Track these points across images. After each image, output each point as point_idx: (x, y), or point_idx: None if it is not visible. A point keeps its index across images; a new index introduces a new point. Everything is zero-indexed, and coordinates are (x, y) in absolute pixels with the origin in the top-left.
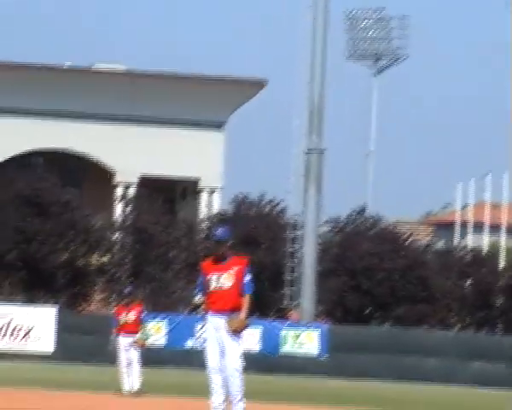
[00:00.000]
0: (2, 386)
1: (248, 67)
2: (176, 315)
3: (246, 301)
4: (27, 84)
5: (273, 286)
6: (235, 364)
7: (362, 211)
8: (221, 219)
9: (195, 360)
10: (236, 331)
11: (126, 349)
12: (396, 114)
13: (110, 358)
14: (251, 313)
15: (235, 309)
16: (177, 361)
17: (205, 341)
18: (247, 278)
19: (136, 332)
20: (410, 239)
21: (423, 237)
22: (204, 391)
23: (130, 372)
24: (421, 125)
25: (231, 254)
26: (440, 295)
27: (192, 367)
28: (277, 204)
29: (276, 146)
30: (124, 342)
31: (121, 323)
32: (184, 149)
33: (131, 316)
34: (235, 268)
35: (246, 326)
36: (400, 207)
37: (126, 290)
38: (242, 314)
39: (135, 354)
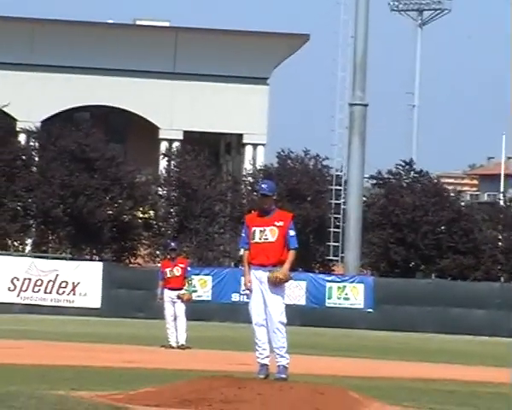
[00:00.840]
0: (51, 340)
1: (292, 21)
2: (221, 269)
3: (290, 256)
4: (72, 42)
5: (318, 239)
6: (280, 317)
7: (407, 164)
8: (266, 173)
9: (241, 313)
10: (277, 283)
11: (172, 303)
12: (439, 68)
13: (157, 312)
14: (294, 268)
15: (278, 264)
16: (223, 315)
17: (249, 295)
18: (292, 232)
19: (182, 287)
20: (455, 192)
21: (468, 189)
22: (249, 345)
23: (177, 326)
24: (465, 78)
25: (276, 209)
26: (485, 246)
27: (238, 321)
28: (322, 158)
29: (319, 100)
30: (170, 296)
31: (167, 277)
32: (228, 104)
33: (177, 271)
34: (280, 223)
35: (287, 279)
36: (445, 160)
37: (172, 245)
38: (285, 267)
39: (181, 309)
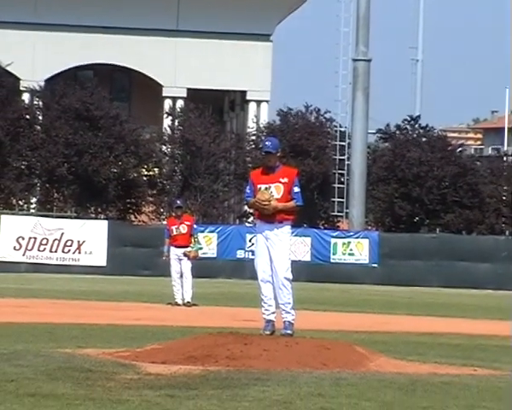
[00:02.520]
0: (57, 298)
1: None
2: (226, 226)
3: (291, 203)
4: (75, 0)
5: (322, 196)
6: (285, 273)
7: (415, 120)
8: (269, 130)
9: (246, 270)
10: (263, 206)
11: (178, 261)
12: (443, 22)
13: (162, 270)
14: (298, 223)
15: (284, 220)
16: (228, 272)
17: (254, 251)
18: (296, 189)
19: (189, 244)
20: (460, 146)
21: (472, 143)
22: (255, 301)
23: (183, 284)
24: (469, 32)
25: (281, 165)
26: (490, 201)
27: (243, 277)
28: (324, 113)
29: (323, 56)
30: (176, 253)
31: (173, 235)
32: (232, 61)
33: (183, 228)
34: (285, 179)
35: (274, 208)
36: (449, 114)
37: (177, 203)
38: (280, 204)
39: (187, 266)
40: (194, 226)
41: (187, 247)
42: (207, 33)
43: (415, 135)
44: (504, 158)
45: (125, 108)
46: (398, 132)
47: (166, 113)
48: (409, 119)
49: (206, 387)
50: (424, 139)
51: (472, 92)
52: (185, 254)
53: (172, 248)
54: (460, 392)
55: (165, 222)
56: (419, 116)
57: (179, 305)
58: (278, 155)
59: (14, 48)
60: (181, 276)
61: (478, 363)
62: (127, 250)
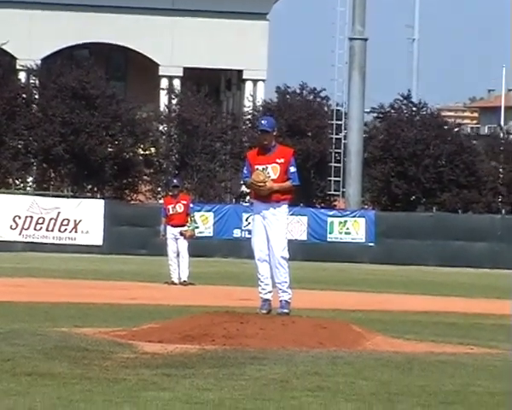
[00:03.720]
0: (53, 278)
1: None
2: (223, 205)
3: (287, 183)
4: None
5: (319, 174)
6: (282, 252)
7: (407, 98)
8: (265, 109)
9: (243, 249)
10: (258, 186)
11: (175, 240)
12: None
13: (159, 249)
14: (295, 203)
15: (280, 200)
16: (225, 251)
17: (251, 230)
18: (292, 169)
19: (185, 223)
20: (456, 125)
21: (468, 122)
22: (252, 280)
23: (179, 263)
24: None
25: (277, 145)
26: (486, 179)
27: (239, 257)
28: (320, 91)
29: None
30: (172, 232)
31: (170, 214)
32: (228, 40)
33: (179, 207)
34: (281, 160)
35: (270, 189)
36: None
37: (174, 182)
38: (275, 184)
39: (184, 245)
40: (191, 205)
41: (183, 226)
42: (204, 12)
43: (408, 114)
44: (501, 135)
45: (121, 88)
46: (392, 111)
47: (165, 89)
48: (401, 97)
49: (202, 366)
50: (418, 118)
51: (468, 71)
52: (181, 234)
53: (169, 228)
54: (456, 371)
55: (161, 201)
56: (410, 93)
57: (175, 284)
58: (274, 134)
59: (10, 26)
60: (177, 255)
61: (474, 342)
62: (124, 229)
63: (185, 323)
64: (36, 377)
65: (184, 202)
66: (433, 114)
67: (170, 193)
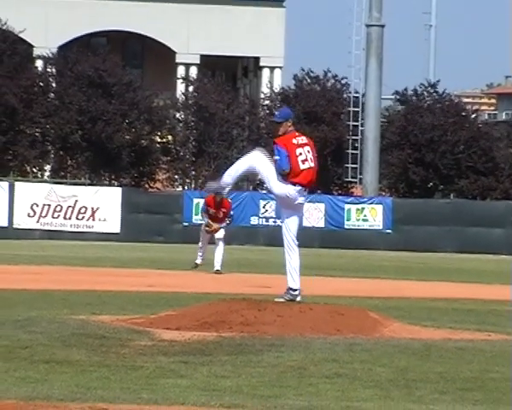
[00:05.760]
0: (71, 265)
1: None
2: (240, 192)
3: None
4: None
5: (336, 162)
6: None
7: (433, 86)
8: (283, 96)
9: (260, 236)
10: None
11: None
12: None
13: (176, 236)
14: (310, 190)
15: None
16: (242, 238)
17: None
18: (275, 157)
19: (222, 223)
20: (474, 111)
21: (486, 108)
22: (269, 267)
23: (215, 251)
24: None
25: (289, 132)
26: (504, 166)
27: (257, 244)
28: (339, 79)
29: (336, 22)
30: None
31: (209, 214)
32: (245, 27)
33: (219, 214)
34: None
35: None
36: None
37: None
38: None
39: (220, 234)
40: (231, 212)
41: (221, 223)
42: (219, 0)
43: (430, 101)
44: None
45: (138, 75)
46: (414, 98)
47: (182, 78)
48: (426, 84)
49: (220, 353)
50: (439, 105)
51: (486, 57)
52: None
53: (206, 220)
54: (474, 357)
55: (179, 189)
56: (438, 82)
57: (197, 265)
58: (287, 123)
59: (27, 15)
60: (216, 244)
61: (492, 328)
62: (141, 217)
63: (203, 310)
64: (54, 365)
65: (224, 210)
66: (453, 101)
67: (216, 196)
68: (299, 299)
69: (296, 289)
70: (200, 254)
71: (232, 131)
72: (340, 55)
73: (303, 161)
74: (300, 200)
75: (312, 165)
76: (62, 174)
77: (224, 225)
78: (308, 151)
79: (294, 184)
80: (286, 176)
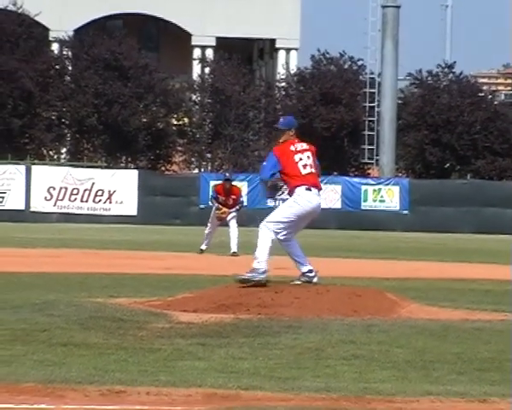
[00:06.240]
0: (88, 248)
1: None
2: (256, 175)
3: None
4: None
5: (353, 143)
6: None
7: (447, 67)
8: (299, 77)
9: None
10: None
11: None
12: None
13: (193, 219)
14: (327, 171)
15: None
16: (259, 221)
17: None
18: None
19: (232, 209)
20: (490, 91)
21: (502, 89)
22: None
23: (229, 235)
24: None
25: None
26: None
27: None
28: (355, 60)
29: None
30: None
31: (219, 201)
32: (261, 9)
33: (229, 201)
34: None
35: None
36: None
37: (226, 175)
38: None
39: (233, 218)
40: (241, 198)
41: (231, 209)
42: None
43: (446, 82)
44: None
45: (154, 58)
46: (429, 79)
47: (199, 59)
48: (443, 65)
49: (237, 335)
50: (456, 86)
51: (502, 37)
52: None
53: (216, 205)
54: (491, 338)
55: (195, 171)
56: (454, 63)
57: (202, 251)
58: (289, 132)
59: None
60: (230, 227)
61: (509, 308)
62: (157, 200)
63: (220, 292)
64: (71, 348)
65: (234, 197)
66: (470, 82)
67: (225, 183)
68: (315, 280)
69: (309, 271)
70: (206, 240)
71: (248, 113)
72: (356, 36)
73: (304, 166)
74: (315, 200)
75: (313, 171)
76: (79, 157)
77: (233, 210)
78: (308, 157)
79: (298, 185)
80: (290, 183)
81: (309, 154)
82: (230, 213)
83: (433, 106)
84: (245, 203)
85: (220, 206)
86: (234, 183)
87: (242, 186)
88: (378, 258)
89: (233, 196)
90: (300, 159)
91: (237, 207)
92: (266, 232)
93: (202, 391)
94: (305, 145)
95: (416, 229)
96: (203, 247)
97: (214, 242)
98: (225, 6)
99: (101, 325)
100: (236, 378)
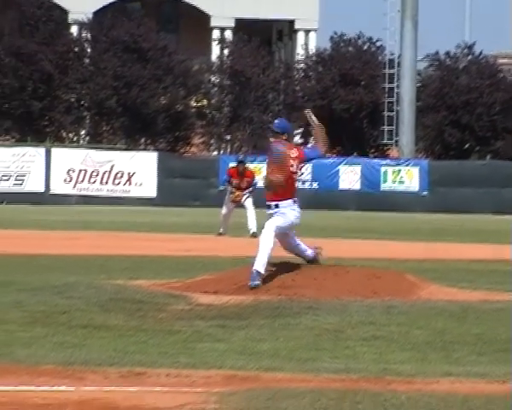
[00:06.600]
0: (108, 230)
1: None
2: None
3: None
4: None
5: (372, 124)
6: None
7: (469, 47)
8: (319, 58)
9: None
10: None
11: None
12: None
13: (212, 200)
14: (347, 153)
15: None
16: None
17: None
18: None
19: (246, 190)
20: (510, 72)
21: None
22: (306, 230)
23: (247, 216)
24: None
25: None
26: None
27: None
28: (376, 41)
29: None
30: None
31: (233, 185)
32: None
33: (242, 183)
34: None
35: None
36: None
37: (240, 157)
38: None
39: (248, 201)
40: (255, 181)
41: (244, 191)
42: None
43: (465, 62)
44: None
45: (172, 40)
46: (447, 60)
47: (217, 40)
48: (462, 45)
49: (257, 316)
50: (475, 67)
51: None
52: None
53: (230, 188)
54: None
55: (214, 153)
56: (474, 43)
57: (220, 234)
58: (282, 136)
59: None
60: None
61: None
62: (177, 182)
63: (240, 274)
64: (91, 330)
65: (248, 179)
66: (489, 63)
67: (238, 166)
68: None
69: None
70: (223, 224)
71: (267, 95)
72: (376, 17)
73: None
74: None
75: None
76: (98, 140)
77: (246, 192)
78: (297, 165)
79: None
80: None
81: (297, 162)
82: (244, 194)
83: (452, 87)
84: (258, 185)
85: (234, 189)
86: (253, 165)
87: (261, 168)
88: (397, 239)
89: (247, 179)
90: (292, 165)
91: (250, 189)
92: (270, 234)
93: (222, 373)
94: (295, 152)
95: (435, 210)
96: (221, 230)
97: (233, 222)
98: None
99: (120, 307)
100: (256, 360)
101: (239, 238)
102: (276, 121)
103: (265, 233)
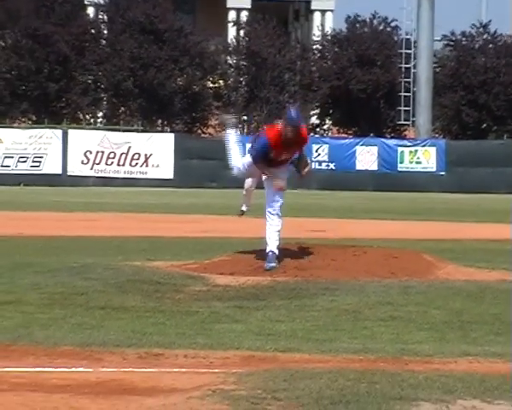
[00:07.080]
0: (125, 212)
1: None
2: None
3: None
4: None
5: (389, 104)
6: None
7: (484, 27)
8: (335, 39)
9: (312, 181)
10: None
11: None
12: None
13: (229, 182)
14: (363, 133)
15: None
16: (295, 183)
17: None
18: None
19: None
20: None
21: None
22: (322, 212)
23: (249, 197)
24: None
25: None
26: None
27: (309, 188)
28: (391, 21)
29: None
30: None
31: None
32: None
33: None
34: None
35: None
36: None
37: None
38: None
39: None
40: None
41: None
42: None
43: (481, 42)
44: None
45: (189, 21)
46: (463, 39)
47: (233, 21)
48: (478, 25)
49: (274, 297)
50: (491, 46)
51: None
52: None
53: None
54: None
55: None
56: (489, 22)
57: (243, 213)
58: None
59: None
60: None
61: None
62: (194, 163)
63: (257, 255)
64: (109, 311)
65: None
66: (506, 42)
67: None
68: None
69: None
70: (246, 200)
71: (284, 75)
72: None
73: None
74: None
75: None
76: (115, 121)
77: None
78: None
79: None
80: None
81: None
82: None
83: (469, 67)
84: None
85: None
86: None
87: None
88: (414, 219)
89: None
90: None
91: None
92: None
93: (240, 354)
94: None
95: (452, 190)
96: (244, 208)
97: (252, 203)
98: None
99: (138, 288)
100: (274, 341)
101: (256, 219)
102: (292, 111)
103: (270, 215)
